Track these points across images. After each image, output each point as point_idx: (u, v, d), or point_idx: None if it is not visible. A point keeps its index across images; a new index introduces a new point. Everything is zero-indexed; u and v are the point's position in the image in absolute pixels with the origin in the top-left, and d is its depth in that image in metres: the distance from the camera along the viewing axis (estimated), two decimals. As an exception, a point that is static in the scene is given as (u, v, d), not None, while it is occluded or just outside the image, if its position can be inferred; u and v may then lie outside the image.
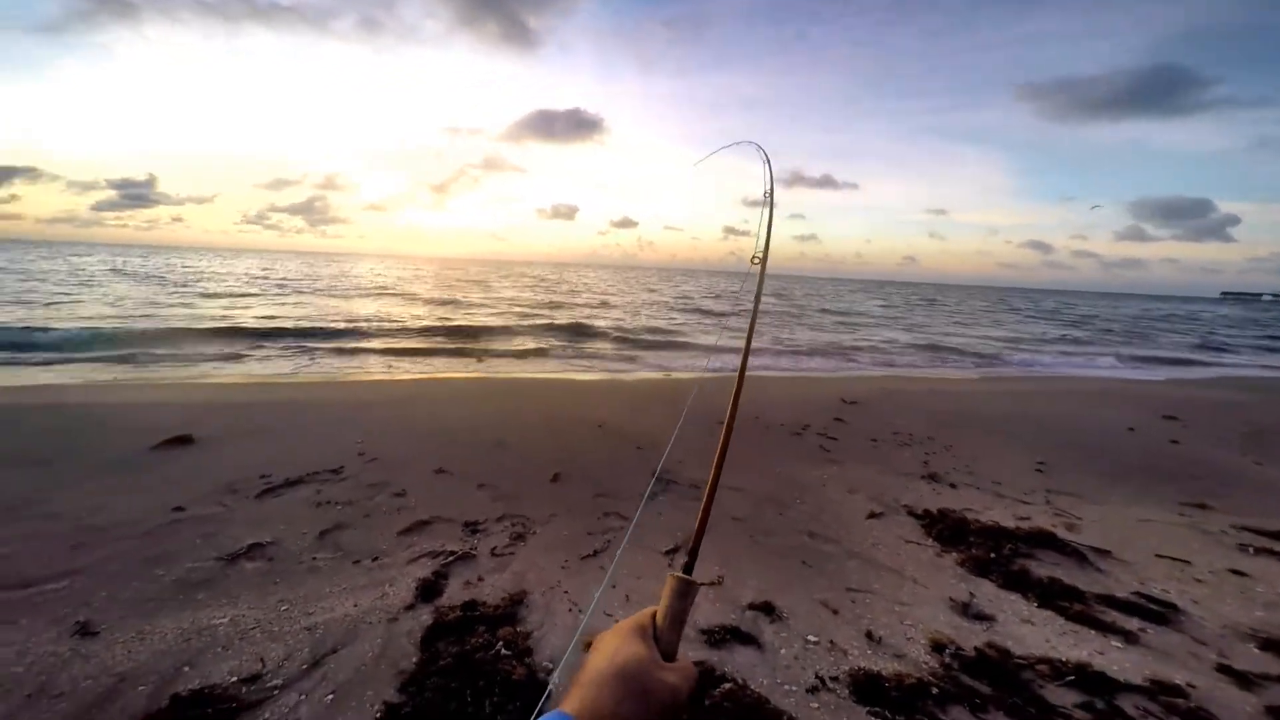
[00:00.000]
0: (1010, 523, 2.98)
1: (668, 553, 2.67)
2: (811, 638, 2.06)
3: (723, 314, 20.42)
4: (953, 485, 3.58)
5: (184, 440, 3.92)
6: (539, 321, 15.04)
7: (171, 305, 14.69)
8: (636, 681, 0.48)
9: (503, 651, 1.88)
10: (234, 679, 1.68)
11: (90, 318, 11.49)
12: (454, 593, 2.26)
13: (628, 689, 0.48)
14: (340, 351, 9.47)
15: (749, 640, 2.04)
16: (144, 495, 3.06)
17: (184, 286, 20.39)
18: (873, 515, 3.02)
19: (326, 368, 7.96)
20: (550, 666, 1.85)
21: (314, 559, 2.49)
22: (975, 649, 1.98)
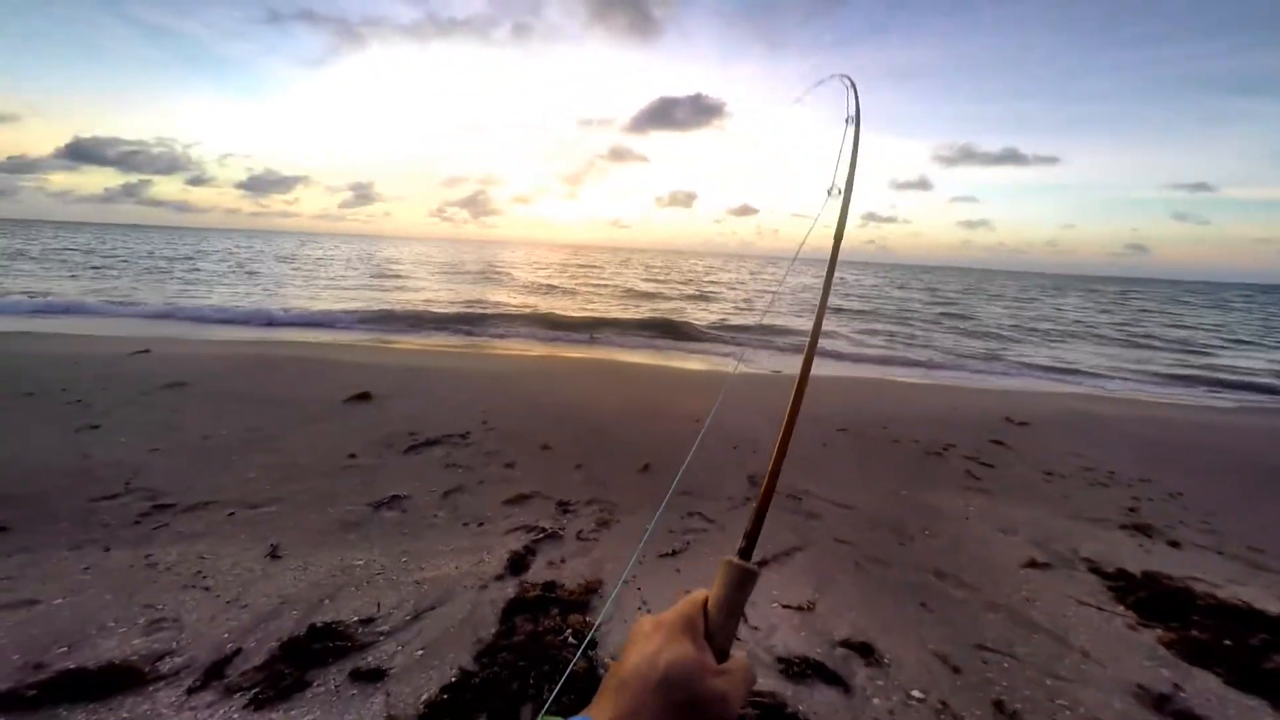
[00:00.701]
0: (1271, 606, 2.10)
1: (756, 565, 2.47)
2: (916, 693, 1.72)
3: (858, 310, 18.14)
4: (1174, 544, 2.63)
5: (365, 397, 4.83)
6: (645, 311, 15.22)
7: (372, 289, 18.28)
8: (683, 691, 0.41)
9: (570, 640, 1.94)
10: (355, 619, 2.02)
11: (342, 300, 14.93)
12: (538, 570, 2.40)
13: (671, 699, 0.40)
14: (481, 331, 10.84)
15: (834, 680, 1.79)
16: (333, 440, 3.84)
17: (382, 274, 25.17)
18: (1034, 565, 2.38)
19: (471, 343, 9.19)
20: (609, 661, 1.85)
21: (435, 516, 2.87)
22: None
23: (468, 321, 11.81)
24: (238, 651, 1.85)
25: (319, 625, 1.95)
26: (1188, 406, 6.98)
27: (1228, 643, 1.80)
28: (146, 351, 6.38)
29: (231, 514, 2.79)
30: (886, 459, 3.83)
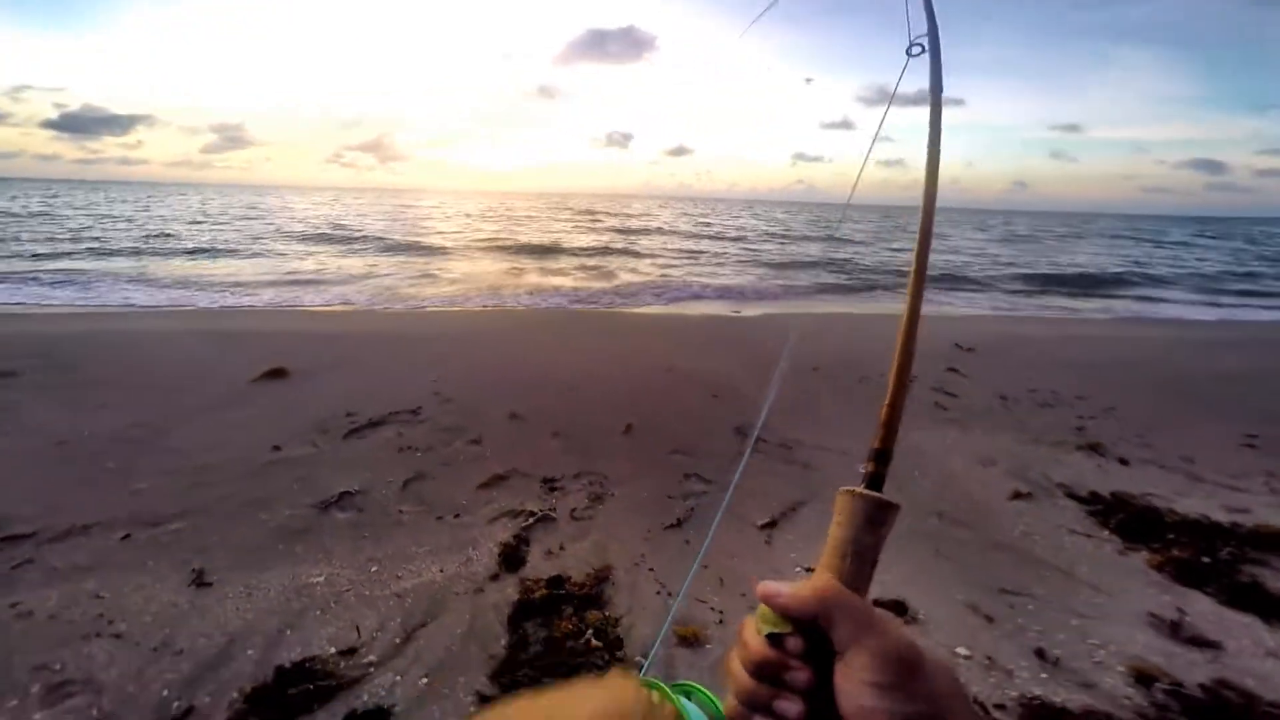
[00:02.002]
0: (1222, 516, 2.38)
1: (764, 526, 2.41)
2: (962, 651, 1.75)
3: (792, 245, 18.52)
4: (1124, 461, 2.93)
5: (279, 374, 4.09)
6: (584, 253, 14.53)
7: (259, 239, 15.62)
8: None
9: (593, 642, 1.75)
10: (333, 650, 1.68)
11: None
12: (537, 562, 2.16)
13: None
14: (408, 289, 9.60)
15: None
16: (246, 432, 3.20)
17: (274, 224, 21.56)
18: (1019, 495, 2.54)
19: (403, 298, 8.15)
20: (641, 661, 1.70)
21: (400, 511, 2.49)
22: (1201, 686, 1.58)
23: (386, 278, 10.52)
24: (188, 711, 1.46)
25: (288, 665, 1.59)
26: (1099, 323, 7.94)
27: (1206, 559, 2.02)
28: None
29: (126, 537, 2.22)
30: (862, 398, 3.93)
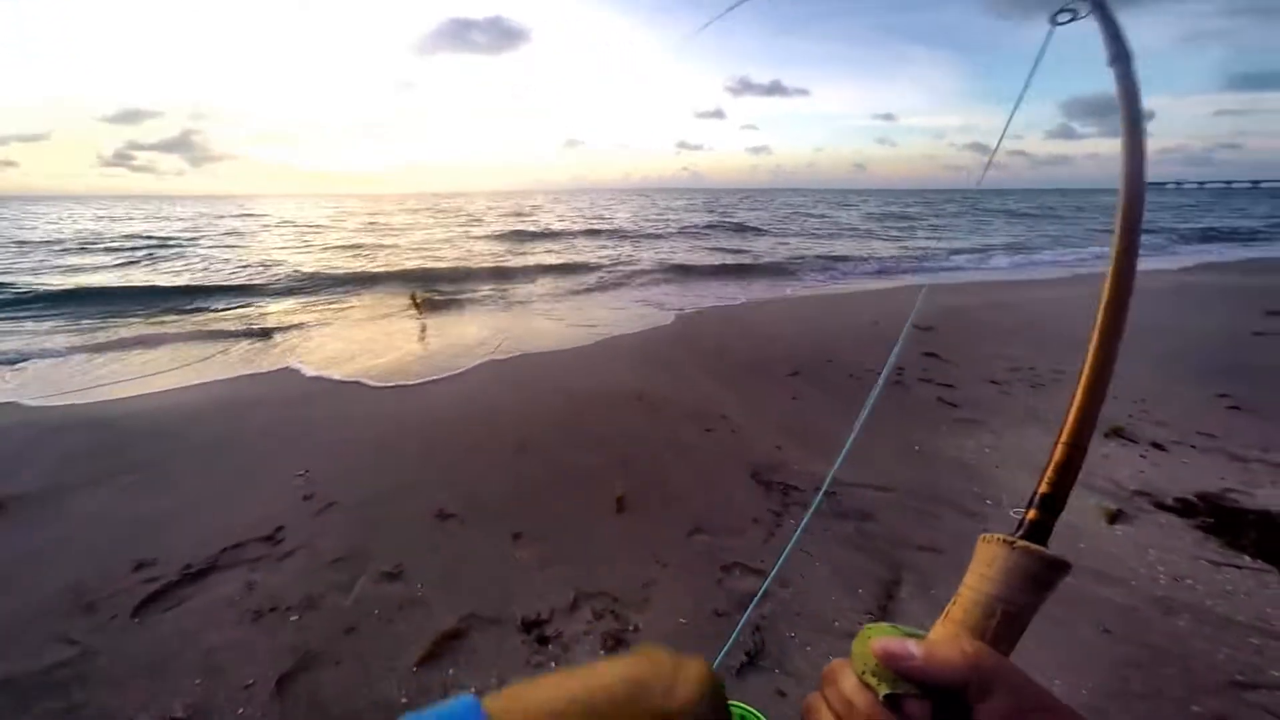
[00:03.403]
0: None
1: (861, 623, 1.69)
2: None
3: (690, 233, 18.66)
4: (1159, 446, 2.72)
5: (-9, 507, 2.38)
6: (482, 260, 12.85)
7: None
8: None
9: None
10: None
11: None
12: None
13: None
14: (248, 327, 7.08)
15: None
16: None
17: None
18: (1115, 518, 2.15)
19: (235, 349, 5.86)
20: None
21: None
22: None
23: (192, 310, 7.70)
24: None
25: None
26: (1006, 285, 8.40)
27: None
28: None
29: None
30: (855, 399, 3.44)
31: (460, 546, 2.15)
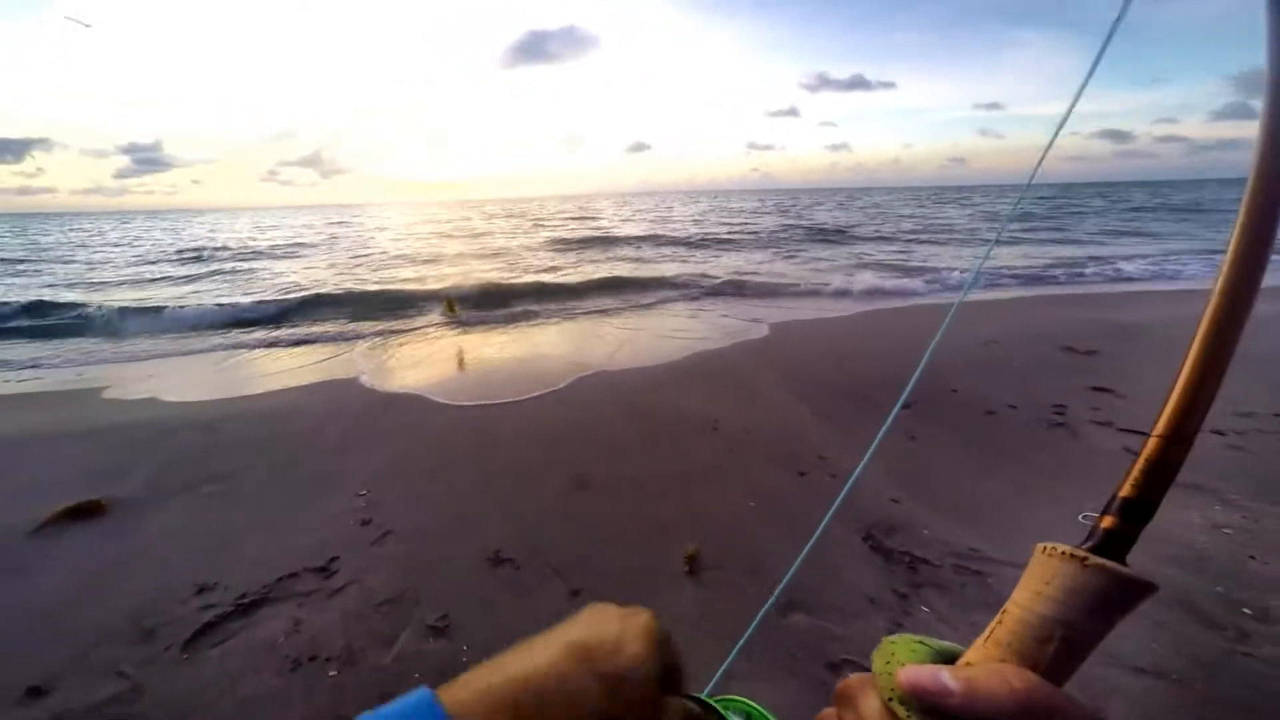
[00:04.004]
0: None
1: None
2: None
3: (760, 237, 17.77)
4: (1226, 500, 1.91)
5: (90, 511, 2.50)
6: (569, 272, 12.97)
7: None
8: None
9: None
10: None
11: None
12: None
13: None
14: (319, 335, 7.55)
15: None
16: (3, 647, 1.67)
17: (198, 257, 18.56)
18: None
19: (307, 359, 6.22)
20: None
21: None
22: None
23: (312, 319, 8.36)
24: None
25: None
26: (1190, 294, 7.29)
27: None
28: None
29: None
30: (1002, 448, 2.79)
31: (512, 601, 1.90)
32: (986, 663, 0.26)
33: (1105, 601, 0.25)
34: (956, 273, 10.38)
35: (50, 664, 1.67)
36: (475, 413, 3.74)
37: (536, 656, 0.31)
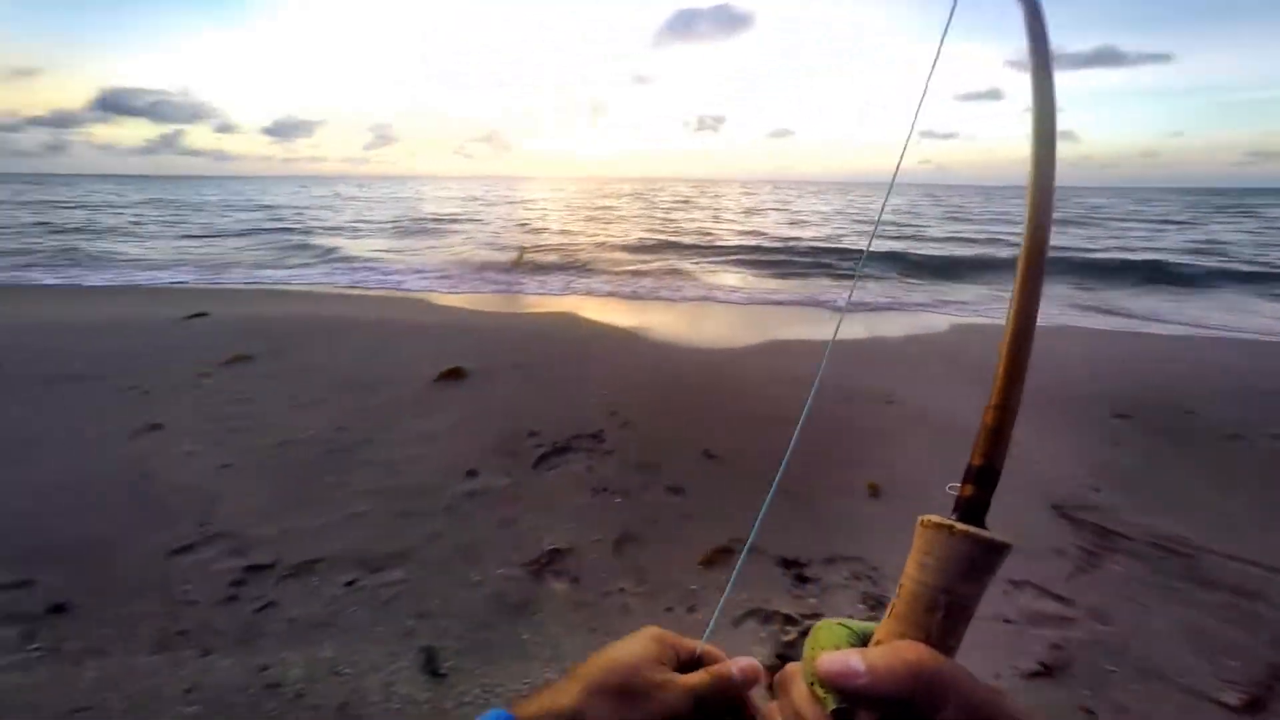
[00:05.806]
0: None
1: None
2: None
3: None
4: None
5: (457, 374, 4.00)
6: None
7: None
8: None
9: None
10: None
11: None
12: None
13: None
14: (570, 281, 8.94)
15: None
16: (437, 447, 3.05)
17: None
18: None
19: (560, 292, 8.08)
20: None
21: (620, 590, 2.07)
22: None
23: (541, 271, 10.11)
24: None
25: None
26: None
27: None
28: (204, 315, 5.65)
29: (351, 583, 2.05)
30: (1228, 469, 2.74)
31: (720, 484, 2.71)
32: (888, 640, 0.29)
33: (973, 565, 0.28)
34: None
35: (474, 456, 2.96)
36: (692, 355, 4.69)
37: (560, 697, 0.35)
